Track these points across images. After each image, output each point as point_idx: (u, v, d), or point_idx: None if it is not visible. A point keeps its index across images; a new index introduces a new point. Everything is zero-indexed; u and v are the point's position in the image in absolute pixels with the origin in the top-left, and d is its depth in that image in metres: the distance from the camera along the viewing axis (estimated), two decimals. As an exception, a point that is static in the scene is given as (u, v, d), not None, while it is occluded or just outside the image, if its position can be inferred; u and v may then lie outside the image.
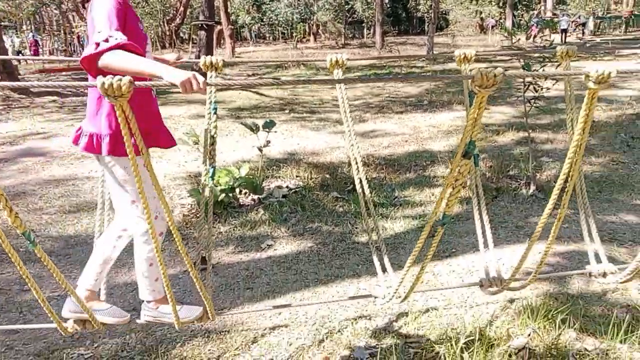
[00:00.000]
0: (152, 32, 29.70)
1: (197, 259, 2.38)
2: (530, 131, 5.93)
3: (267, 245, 3.69)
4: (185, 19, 29.16)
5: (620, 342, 2.38)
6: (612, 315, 2.55)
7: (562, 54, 2.23)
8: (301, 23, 31.10)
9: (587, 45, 24.21)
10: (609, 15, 36.98)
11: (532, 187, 4.53)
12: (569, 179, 1.67)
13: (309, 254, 3.56)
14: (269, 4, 30.28)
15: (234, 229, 3.96)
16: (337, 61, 2.22)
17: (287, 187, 4.76)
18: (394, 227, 3.95)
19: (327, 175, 5.15)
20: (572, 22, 28.26)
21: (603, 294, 2.86)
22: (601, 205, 4.25)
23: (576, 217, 3.08)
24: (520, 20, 33.39)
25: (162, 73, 1.66)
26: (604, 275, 2.13)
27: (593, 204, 4.27)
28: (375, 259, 2.45)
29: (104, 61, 1.70)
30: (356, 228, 3.94)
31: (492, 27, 30.44)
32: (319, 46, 28.57)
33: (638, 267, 1.94)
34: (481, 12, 38.02)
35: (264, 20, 33.26)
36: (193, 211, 4.32)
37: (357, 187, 2.44)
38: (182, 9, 27.80)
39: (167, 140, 2.10)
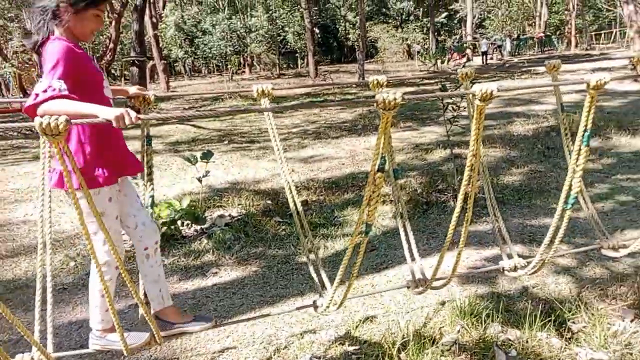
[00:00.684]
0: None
1: (142, 291, 2.45)
2: (455, 148, 6.36)
3: (212, 273, 3.77)
4: (116, 56, 28.72)
5: (539, 331, 2.65)
6: (531, 308, 2.82)
7: (462, 75, 2.52)
8: (235, 55, 31.45)
9: (507, 65, 25.90)
10: (524, 37, 39.71)
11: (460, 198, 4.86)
12: (470, 185, 1.91)
13: (254, 277, 3.67)
14: (201, 37, 30.41)
15: (177, 260, 4.01)
16: (263, 91, 2.40)
17: (229, 215, 4.86)
18: (334, 245, 4.13)
19: (269, 201, 5.29)
20: (490, 44, 30.17)
21: (524, 290, 3.15)
22: (522, 211, 4.63)
23: (509, 226, 3.37)
24: (444, 45, 35.22)
25: (97, 112, 1.79)
26: (515, 269, 2.38)
27: (514, 210, 4.66)
28: (314, 276, 2.61)
29: (42, 110, 1.83)
30: (298, 249, 4.09)
31: (418, 52, 31.95)
32: (254, 77, 28.91)
33: (541, 260, 2.21)
34: (407, 39, 39.86)
35: (198, 53, 33.32)
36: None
37: (293, 210, 2.60)
38: (112, 45, 27.38)
39: (134, 167, 2.24)
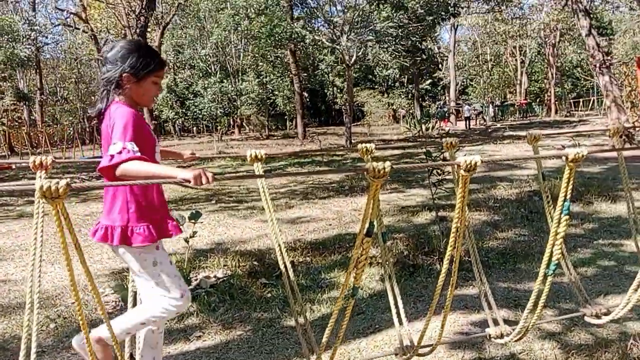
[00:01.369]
0: (71, 129, 29.26)
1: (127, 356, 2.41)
2: (440, 210, 6.46)
3: (196, 336, 3.70)
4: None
5: (527, 397, 2.62)
6: (518, 373, 2.80)
7: (447, 144, 2.63)
8: (225, 117, 32.05)
9: (489, 130, 26.68)
10: (506, 103, 41.21)
11: (446, 263, 4.89)
12: (455, 250, 1.96)
13: (238, 342, 3.60)
14: (192, 99, 31.08)
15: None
16: (256, 156, 2.48)
17: (215, 276, 4.82)
18: (321, 308, 4.10)
19: (255, 262, 5.27)
20: (473, 110, 31.26)
21: (511, 356, 3.13)
22: (506, 275, 4.66)
23: (490, 289, 3.39)
24: (428, 110, 36.35)
25: (175, 173, 1.88)
26: (501, 336, 2.39)
27: (499, 274, 4.70)
28: (302, 340, 2.59)
29: (120, 170, 1.93)
30: (284, 312, 4.04)
31: (403, 116, 32.89)
32: (243, 138, 29.37)
33: (525, 326, 2.23)
34: (392, 104, 41.11)
35: (188, 114, 33.91)
36: (118, 308, 4.24)
37: (283, 273, 2.62)
38: (103, 105, 27.83)
39: (173, 229, 2.30)
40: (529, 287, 4.28)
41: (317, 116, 45.32)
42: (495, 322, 2.51)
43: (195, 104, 29.90)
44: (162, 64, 2.29)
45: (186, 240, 4.89)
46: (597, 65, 15.07)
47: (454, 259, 2.00)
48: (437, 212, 5.57)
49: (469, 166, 1.83)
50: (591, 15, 17.72)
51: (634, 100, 17.87)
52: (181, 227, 2.39)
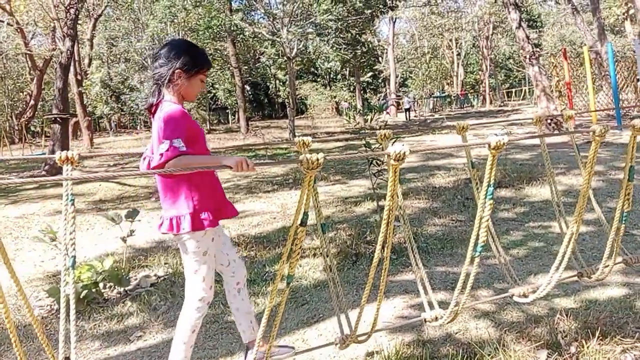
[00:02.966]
0: (-2, 128, 27.59)
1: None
2: (382, 200, 6.59)
3: (136, 337, 3.61)
4: (37, 113, 27.66)
5: (463, 375, 2.74)
6: (454, 353, 2.93)
7: (381, 136, 2.69)
8: (164, 111, 31.13)
9: (428, 121, 27.44)
10: (443, 94, 42.47)
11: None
12: (387, 236, 2.02)
13: (180, 339, 3.54)
14: (128, 94, 29.99)
15: (99, 325, 3.81)
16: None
17: (155, 275, 4.71)
18: (265, 301, 4.10)
19: (197, 260, 5.19)
20: (412, 101, 32.07)
21: (448, 336, 3.26)
22: (444, 259, 4.83)
23: (429, 274, 3.51)
24: (369, 102, 36.88)
25: (219, 160, 2.17)
26: (436, 319, 2.49)
27: (437, 259, 4.86)
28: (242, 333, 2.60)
29: (169, 167, 2.12)
30: (228, 308, 4.02)
31: (346, 109, 33.24)
32: (184, 133, 28.67)
33: (457, 307, 2.33)
34: (335, 97, 41.41)
35: (125, 110, 32.69)
36: (53, 312, 4.07)
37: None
38: (32, 102, 26.42)
39: (231, 211, 2.53)
40: (469, 270, 4.46)
41: (260, 109, 44.99)
42: (431, 306, 2.61)
43: (132, 98, 28.86)
44: (209, 63, 2.51)
45: (123, 239, 4.76)
46: (527, 56, 15.78)
47: (386, 245, 2.06)
48: (377, 201, 5.68)
49: (398, 156, 1.88)
50: (521, 9, 18.52)
51: (561, 90, 18.91)
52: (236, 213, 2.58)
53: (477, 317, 3.51)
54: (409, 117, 29.92)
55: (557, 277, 2.46)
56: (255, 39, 24.16)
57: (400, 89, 44.82)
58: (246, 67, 29.67)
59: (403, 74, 50.25)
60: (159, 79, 2.37)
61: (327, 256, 2.90)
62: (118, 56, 33.57)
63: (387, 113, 33.11)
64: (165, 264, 5.04)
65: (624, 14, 24.87)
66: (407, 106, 30.17)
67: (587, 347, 2.87)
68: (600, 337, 2.94)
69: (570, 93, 17.25)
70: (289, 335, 3.46)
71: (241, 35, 22.54)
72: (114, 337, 3.63)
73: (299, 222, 1.83)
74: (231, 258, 2.61)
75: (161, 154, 2.15)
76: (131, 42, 30.86)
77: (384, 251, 2.05)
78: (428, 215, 6.50)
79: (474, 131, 15.81)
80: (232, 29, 21.59)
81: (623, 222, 2.57)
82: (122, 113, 35.39)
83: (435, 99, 38.72)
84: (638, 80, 17.69)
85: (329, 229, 6.05)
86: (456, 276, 4.37)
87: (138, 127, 37.86)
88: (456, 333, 3.30)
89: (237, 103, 28.13)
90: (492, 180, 2.10)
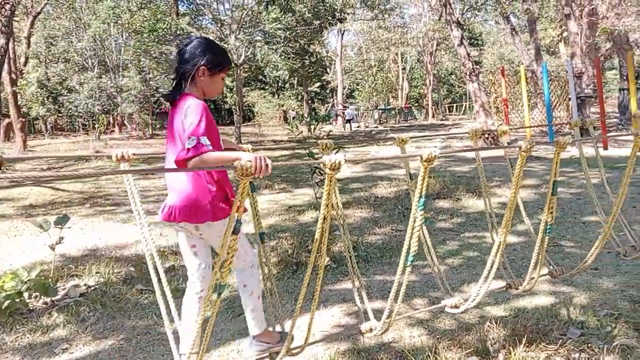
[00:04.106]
0: None
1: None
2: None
3: (62, 349, 3.43)
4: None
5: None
6: (388, 361, 2.96)
7: (323, 146, 2.69)
8: (104, 114, 30.07)
9: (373, 132, 27.92)
10: (388, 107, 43.39)
11: (327, 259, 5.04)
12: (322, 245, 2.02)
13: (109, 352, 3.40)
14: (66, 95, 28.75)
15: (21, 337, 3.59)
16: (122, 156, 2.37)
17: (85, 285, 4.50)
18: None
19: (132, 268, 5.01)
20: (355, 112, 32.62)
21: (382, 345, 3.30)
22: (383, 268, 4.90)
23: (368, 282, 3.54)
24: (317, 112, 37.18)
25: (239, 156, 2.12)
26: (371, 330, 2.51)
27: (377, 268, 4.93)
28: (172, 344, 2.52)
29: (194, 163, 2.18)
30: (161, 319, 3.89)
31: (293, 118, 33.32)
32: (125, 137, 27.75)
33: (389, 318, 2.36)
34: (283, 105, 41.44)
35: (62, 111, 31.32)
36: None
37: (153, 278, 2.52)
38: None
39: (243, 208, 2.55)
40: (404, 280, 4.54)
41: (206, 116, 44.29)
42: (367, 317, 2.63)
43: (70, 100, 27.68)
44: (230, 62, 2.61)
45: (51, 247, 4.53)
46: (468, 73, 16.42)
47: (321, 255, 2.06)
48: (320, 210, 5.70)
49: (333, 165, 1.89)
50: (463, 27, 19.27)
51: (499, 106, 19.76)
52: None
53: (412, 325, 3.57)
54: (351, 128, 30.40)
55: (486, 287, 2.54)
56: (202, 44, 23.73)
57: (347, 100, 45.43)
58: (192, 72, 29.02)
59: (350, 86, 50.99)
60: (184, 73, 2.43)
61: (267, 265, 2.88)
62: (57, 56, 32.14)
63: (333, 123, 33.49)
64: (97, 273, 4.83)
65: (558, 35, 26.34)
66: (348, 117, 30.64)
67: (514, 354, 2.98)
68: (527, 344, 3.06)
69: (506, 109, 18.07)
70: (224, 346, 3.39)
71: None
72: (37, 350, 3.43)
73: (231, 230, 1.80)
74: (209, 263, 2.62)
75: (188, 149, 2.19)
76: (71, 42, 29.67)
77: (317, 260, 2.04)
78: (369, 224, 6.59)
79: (416, 143, 16.23)
80: (178, 32, 21.17)
81: (547, 234, 2.69)
82: (60, 115, 33.88)
83: (380, 111, 39.49)
84: (570, 99, 18.78)
85: (271, 237, 6.00)
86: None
87: (77, 130, 36.35)
88: (391, 341, 3.34)
89: (182, 108, 27.46)
90: (424, 191, 2.15)
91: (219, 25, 21.26)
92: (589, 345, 3.06)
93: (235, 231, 1.81)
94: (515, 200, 2.45)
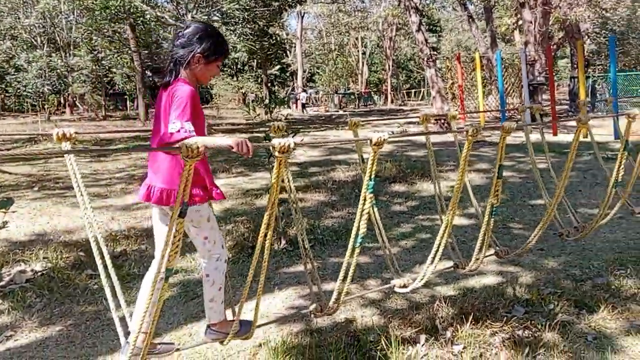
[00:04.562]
0: None
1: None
2: (282, 192, 6.61)
3: (6, 337, 3.32)
4: None
5: (347, 362, 2.83)
6: (339, 340, 3.01)
7: (274, 128, 2.67)
8: (54, 95, 28.87)
9: (333, 117, 27.97)
10: (348, 91, 43.50)
11: (283, 242, 5.06)
12: (268, 228, 2.02)
13: (57, 338, 3.32)
14: (14, 74, 27.43)
15: (-39, 326, 3.46)
16: (64, 134, 2.29)
17: (32, 270, 4.35)
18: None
19: (82, 253, 4.88)
20: (309, 97, 32.62)
21: (335, 325, 3.35)
22: (338, 250, 4.96)
23: (323, 264, 3.58)
24: (277, 95, 36.90)
25: (221, 142, 2.22)
26: (321, 310, 2.53)
27: (332, 250, 4.99)
28: (118, 329, 2.48)
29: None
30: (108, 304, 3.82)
31: (253, 101, 32.96)
32: (76, 118, 26.80)
33: (337, 298, 2.40)
34: (242, 88, 40.87)
35: (9, 91, 29.87)
36: None
37: (98, 262, 2.46)
38: None
39: (219, 195, 2.54)
40: (357, 261, 4.61)
41: (162, 97, 43.17)
42: (318, 298, 2.66)
43: (18, 79, 26.45)
44: (228, 50, 2.58)
45: (-5, 232, 4.35)
46: (425, 59, 16.60)
47: (267, 237, 2.06)
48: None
49: (282, 148, 1.89)
50: (422, 13, 19.45)
51: (455, 92, 20.15)
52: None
53: (365, 305, 3.64)
54: (307, 112, 30.41)
55: (433, 267, 2.61)
56: (158, 23, 23.11)
57: (307, 83, 45.24)
58: (147, 52, 28.25)
59: (311, 69, 50.77)
60: (179, 59, 2.42)
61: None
62: (3, 32, 30.54)
63: (293, 107, 33.36)
64: (44, 258, 4.68)
65: (514, 24, 26.95)
66: (303, 101, 30.62)
67: (461, 332, 3.09)
68: (474, 322, 3.18)
69: (462, 95, 18.44)
70: (176, 330, 3.37)
71: (142, 19, 21.45)
72: (-21, 339, 3.31)
73: (177, 213, 1.77)
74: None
75: (171, 134, 2.21)
76: (19, 18, 28.24)
77: (264, 243, 2.05)
78: (326, 208, 6.63)
79: (374, 128, 16.37)
80: (131, 10, 20.47)
81: (493, 216, 2.78)
82: (7, 95, 32.31)
83: (340, 96, 39.54)
84: (522, 86, 19.34)
85: (227, 221, 5.96)
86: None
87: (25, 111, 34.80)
88: (343, 322, 3.40)
89: (136, 89, 26.78)
90: (374, 174, 2.18)
91: (175, 3, 20.68)
92: (532, 322, 3.21)
93: (182, 214, 1.79)
94: (463, 183, 2.52)
